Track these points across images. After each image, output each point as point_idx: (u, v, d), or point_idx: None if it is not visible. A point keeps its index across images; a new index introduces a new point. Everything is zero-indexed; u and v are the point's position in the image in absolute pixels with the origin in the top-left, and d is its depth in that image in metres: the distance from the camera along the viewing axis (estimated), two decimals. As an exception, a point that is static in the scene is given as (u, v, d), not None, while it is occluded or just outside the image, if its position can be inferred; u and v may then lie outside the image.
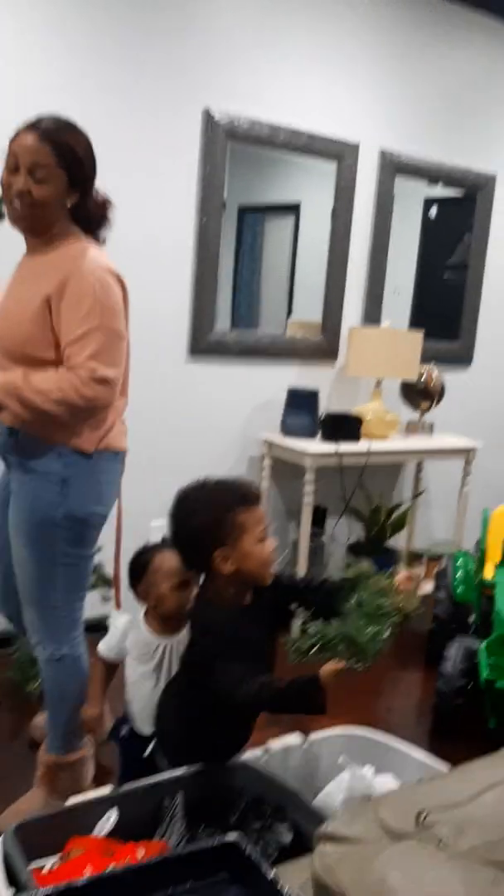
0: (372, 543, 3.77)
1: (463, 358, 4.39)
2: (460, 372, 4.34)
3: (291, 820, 1.71)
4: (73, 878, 1.46)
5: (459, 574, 3.46)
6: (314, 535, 3.59)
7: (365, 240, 3.92)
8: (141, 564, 2.09)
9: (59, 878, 1.50)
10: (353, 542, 3.91)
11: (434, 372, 3.94)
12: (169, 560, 2.04)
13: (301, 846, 1.67)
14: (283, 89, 3.54)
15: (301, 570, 3.52)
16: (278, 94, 3.53)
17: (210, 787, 1.78)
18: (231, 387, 3.65)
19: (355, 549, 3.84)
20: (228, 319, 3.68)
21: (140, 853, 1.53)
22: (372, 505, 3.84)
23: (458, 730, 2.92)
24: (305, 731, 2.03)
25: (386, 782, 1.84)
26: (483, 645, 2.70)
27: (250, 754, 1.90)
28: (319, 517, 3.69)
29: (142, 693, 2.07)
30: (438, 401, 3.97)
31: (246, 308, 3.89)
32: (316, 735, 2.00)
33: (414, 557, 4.06)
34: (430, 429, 3.99)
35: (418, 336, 3.74)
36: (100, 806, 1.66)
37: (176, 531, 1.87)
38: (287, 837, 1.66)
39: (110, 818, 1.64)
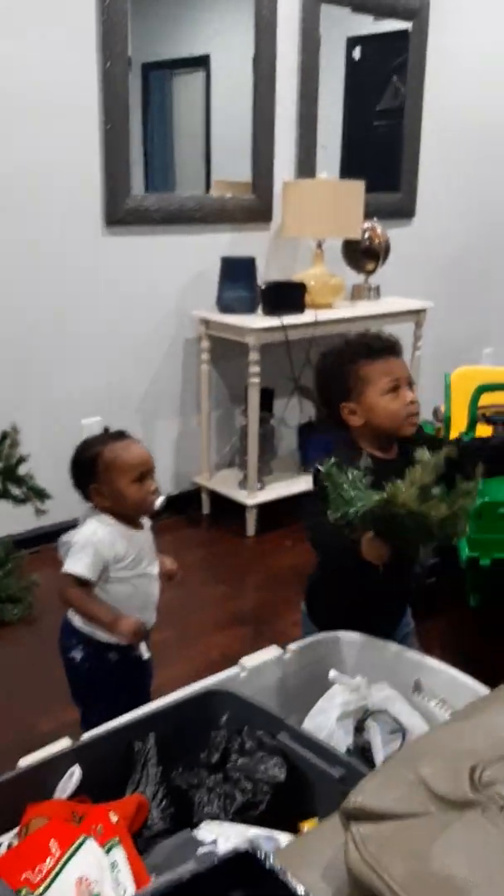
0: (325, 423, 3.49)
1: (404, 212, 4.04)
2: (403, 227, 4.00)
3: (281, 750, 1.48)
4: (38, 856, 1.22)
5: (421, 446, 3.23)
6: (262, 420, 3.30)
7: (291, 82, 3.48)
8: (89, 461, 1.75)
9: (21, 857, 1.25)
10: (304, 422, 3.64)
11: (378, 228, 3.60)
12: (121, 451, 1.74)
13: (296, 781, 1.45)
14: None
15: (252, 458, 3.25)
16: None
17: (184, 720, 1.54)
18: (157, 260, 3.26)
19: (306, 431, 3.58)
20: (142, 186, 3.24)
21: (113, 819, 1.29)
22: (321, 380, 3.55)
23: (435, 610, 2.77)
24: (281, 642, 1.79)
25: (382, 692, 1.62)
26: (460, 521, 2.49)
27: (224, 675, 1.66)
28: (266, 399, 3.39)
29: (145, 597, 1.82)
30: (384, 260, 3.64)
31: (160, 173, 3.46)
32: (295, 644, 1.76)
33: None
34: (376, 292, 3.68)
35: (360, 187, 3.37)
36: (58, 763, 1.40)
37: (314, 388, 1.91)
38: (281, 773, 1.43)
39: (73, 776, 1.39)
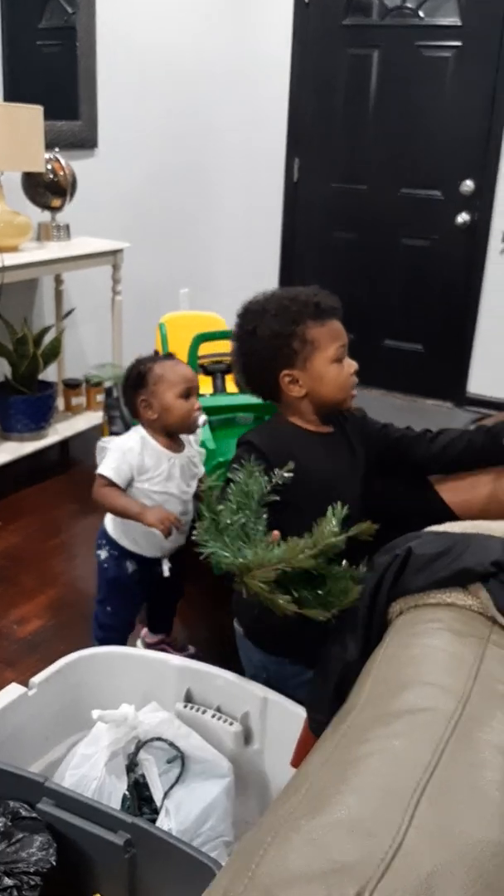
0: (24, 380, 3.10)
1: (86, 142, 3.67)
2: (86, 159, 3.63)
3: (46, 824, 1.20)
4: None
5: (133, 401, 2.99)
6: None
7: None
8: (140, 374, 1.86)
9: None
10: (0, 382, 3.21)
11: (61, 160, 3.21)
12: (171, 368, 1.87)
13: (71, 859, 1.18)
14: None
15: None
16: None
17: None
18: None
19: (3, 392, 3.16)
20: None
21: None
22: (14, 334, 3.14)
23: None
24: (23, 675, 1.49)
25: (153, 717, 1.39)
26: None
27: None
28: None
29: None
30: (71, 196, 3.27)
31: None
32: (40, 676, 1.46)
33: (71, 387, 3.49)
34: (66, 231, 3.31)
35: (38, 112, 2.95)
36: None
37: (238, 351, 1.59)
38: (50, 855, 1.15)
39: None
